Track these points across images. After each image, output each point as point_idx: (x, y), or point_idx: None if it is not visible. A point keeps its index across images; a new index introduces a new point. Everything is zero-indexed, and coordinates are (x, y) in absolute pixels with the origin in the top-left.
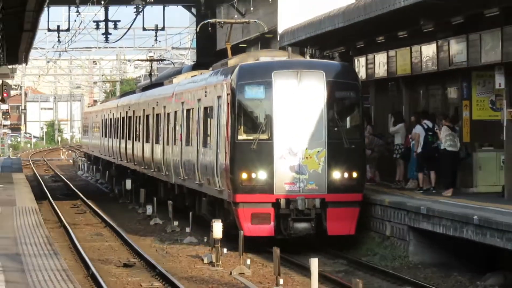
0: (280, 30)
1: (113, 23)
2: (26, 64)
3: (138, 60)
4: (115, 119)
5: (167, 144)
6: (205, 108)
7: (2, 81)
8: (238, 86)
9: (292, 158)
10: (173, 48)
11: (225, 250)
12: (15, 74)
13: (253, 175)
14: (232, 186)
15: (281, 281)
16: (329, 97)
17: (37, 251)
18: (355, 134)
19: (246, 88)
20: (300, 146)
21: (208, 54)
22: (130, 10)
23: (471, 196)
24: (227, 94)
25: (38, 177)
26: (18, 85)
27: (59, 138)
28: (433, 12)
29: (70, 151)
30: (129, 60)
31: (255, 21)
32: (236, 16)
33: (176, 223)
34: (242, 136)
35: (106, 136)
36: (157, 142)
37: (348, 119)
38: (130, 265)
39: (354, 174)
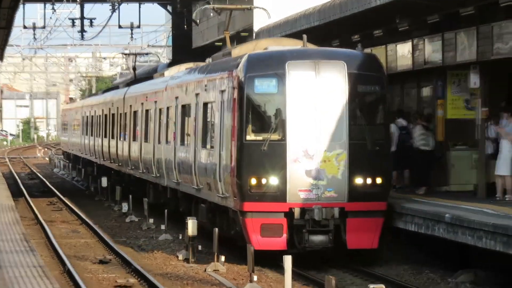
0: (255, 28)
1: (89, 20)
2: (2, 61)
3: (123, 53)
4: (97, 116)
5: (159, 143)
6: (205, 104)
7: None
8: (247, 79)
9: (308, 162)
10: (148, 45)
11: (199, 247)
12: None
13: (264, 181)
14: (239, 193)
15: (255, 278)
16: (351, 91)
17: (14, 248)
18: (380, 134)
19: (255, 81)
20: (317, 147)
21: (184, 52)
22: (105, 7)
23: (444, 195)
24: (233, 88)
25: (15, 174)
26: None
27: (35, 136)
28: (408, 10)
29: (46, 149)
30: (104, 58)
31: (257, 7)
32: (211, 14)
33: (151, 220)
34: (250, 136)
35: (87, 134)
36: (146, 140)
37: (372, 117)
38: (106, 261)
39: (378, 180)
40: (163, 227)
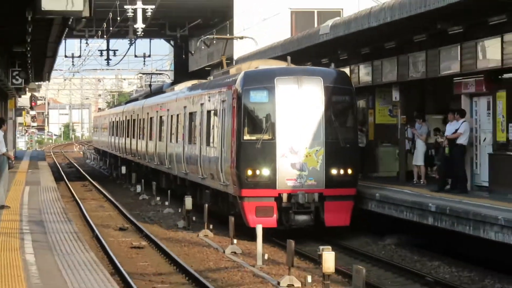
0: (235, 57)
1: (113, 51)
2: (49, 81)
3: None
4: (121, 121)
5: (171, 141)
6: (208, 111)
7: (31, 93)
8: (244, 91)
9: (293, 156)
10: (156, 70)
11: (194, 218)
12: (40, 89)
13: (257, 172)
14: (238, 181)
15: (235, 241)
16: (326, 101)
17: (56, 218)
18: (350, 134)
19: (251, 93)
20: (300, 145)
21: (182, 75)
22: (125, 42)
23: (374, 179)
24: (233, 98)
25: (57, 164)
26: (43, 96)
27: (73, 136)
28: (347, 45)
29: (80, 145)
30: (124, 79)
31: (249, 38)
32: (203, 47)
33: (158, 198)
34: (247, 136)
35: (113, 135)
36: (160, 140)
37: (343, 120)
38: (124, 229)
39: (349, 171)
40: (167, 203)
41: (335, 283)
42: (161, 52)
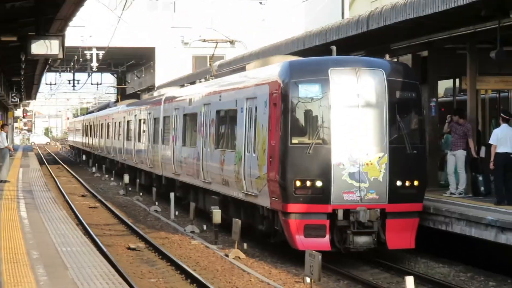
0: (156, 84)
1: (77, 81)
2: (35, 100)
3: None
4: (82, 126)
5: (114, 139)
6: (217, 112)
7: (23, 108)
8: (291, 84)
9: (351, 165)
10: (105, 93)
11: (129, 188)
12: (29, 104)
13: (308, 183)
14: (282, 194)
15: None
16: (390, 97)
17: (40, 189)
18: (417, 138)
19: (300, 87)
20: (360, 151)
21: (122, 97)
22: (85, 74)
23: None
24: (272, 94)
25: (40, 154)
26: (31, 110)
27: (51, 136)
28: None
29: (58, 143)
30: (84, 98)
31: (239, 41)
32: (135, 78)
33: (107, 175)
34: (295, 140)
35: (77, 135)
36: (107, 137)
37: (409, 122)
38: (84, 195)
39: (416, 182)
40: (112, 179)
41: None
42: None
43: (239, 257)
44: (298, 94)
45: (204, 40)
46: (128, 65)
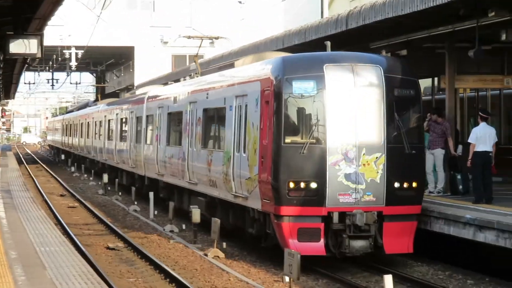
0: (135, 84)
1: (56, 80)
2: (14, 99)
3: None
4: (62, 125)
5: (94, 138)
6: (205, 110)
7: (2, 107)
8: (285, 81)
9: (348, 165)
10: (84, 92)
11: (109, 188)
12: (8, 104)
13: (302, 185)
14: (275, 196)
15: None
16: (388, 95)
17: (19, 188)
18: (416, 138)
19: (293, 83)
20: (356, 151)
21: (102, 96)
22: (64, 73)
23: None
24: (263, 91)
25: (19, 153)
26: (10, 109)
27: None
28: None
29: (36, 142)
30: (63, 98)
31: (225, 38)
32: (114, 78)
33: (86, 175)
34: (289, 139)
35: (55, 134)
36: (87, 137)
37: (408, 120)
38: (63, 195)
39: (414, 184)
40: (91, 178)
41: None
42: (87, 81)
43: (218, 256)
44: (292, 91)
45: (189, 37)
46: (107, 64)
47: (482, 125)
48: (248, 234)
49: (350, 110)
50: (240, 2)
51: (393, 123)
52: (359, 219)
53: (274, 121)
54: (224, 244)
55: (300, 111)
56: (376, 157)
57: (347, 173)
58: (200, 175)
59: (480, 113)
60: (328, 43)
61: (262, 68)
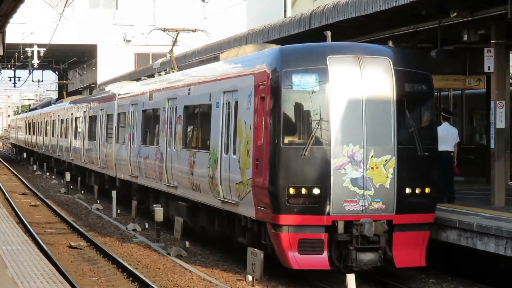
0: (98, 82)
1: (18, 78)
2: None
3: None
4: (25, 123)
5: (60, 137)
6: (186, 107)
7: None
8: (284, 75)
9: (354, 169)
10: (47, 90)
11: (71, 186)
12: None
13: (303, 191)
14: (273, 203)
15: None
16: (398, 90)
17: None
18: (429, 138)
19: (293, 77)
20: (364, 153)
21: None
22: (26, 71)
23: None
24: (258, 86)
25: None
26: None
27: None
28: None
29: None
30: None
31: (202, 30)
32: (77, 76)
33: (48, 173)
34: (288, 140)
35: (18, 133)
36: (52, 136)
37: (420, 118)
38: (25, 193)
39: (427, 190)
40: (53, 177)
41: None
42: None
43: (181, 255)
44: (291, 85)
45: (164, 29)
46: (70, 63)
47: (444, 125)
48: (237, 243)
49: (356, 107)
50: (203, 1)
51: (404, 121)
52: (367, 229)
53: (271, 119)
54: (187, 243)
55: (301, 108)
56: (386, 160)
57: (354, 177)
58: (181, 178)
59: (442, 113)
60: (329, 33)
61: (256, 60)
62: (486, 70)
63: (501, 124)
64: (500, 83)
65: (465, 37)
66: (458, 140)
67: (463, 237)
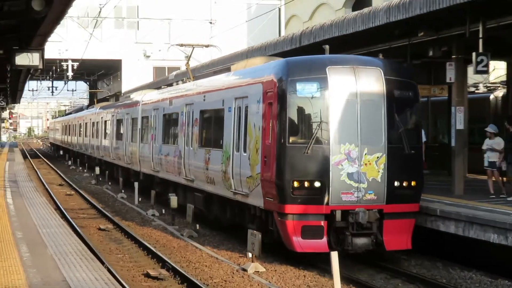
0: (123, 91)
1: (55, 87)
2: (19, 103)
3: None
4: (61, 126)
5: (92, 137)
6: (202, 111)
7: (9, 110)
8: (289, 83)
9: (350, 165)
10: (79, 98)
11: (100, 178)
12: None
13: (306, 184)
14: (279, 195)
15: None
16: (388, 97)
17: (24, 179)
18: (414, 139)
19: (297, 85)
20: (358, 151)
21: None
22: (62, 82)
23: None
24: (266, 92)
25: (24, 149)
26: (16, 112)
27: (33, 134)
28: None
29: (39, 140)
30: (62, 102)
31: (214, 46)
32: (105, 85)
33: (81, 168)
34: (293, 139)
35: (56, 133)
36: (85, 136)
37: (407, 121)
38: (61, 184)
39: (413, 183)
40: (85, 171)
41: None
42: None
43: (192, 236)
44: (296, 92)
45: (182, 45)
46: (99, 74)
47: None
48: (247, 229)
49: (352, 111)
50: (210, 22)
51: (394, 124)
52: (361, 217)
53: (278, 121)
54: (197, 226)
55: (304, 112)
56: (377, 157)
57: (350, 172)
58: (197, 172)
59: None
60: (327, 47)
61: (264, 71)
62: (448, 80)
63: (460, 126)
64: (459, 91)
65: (431, 53)
66: (425, 140)
67: (428, 221)
